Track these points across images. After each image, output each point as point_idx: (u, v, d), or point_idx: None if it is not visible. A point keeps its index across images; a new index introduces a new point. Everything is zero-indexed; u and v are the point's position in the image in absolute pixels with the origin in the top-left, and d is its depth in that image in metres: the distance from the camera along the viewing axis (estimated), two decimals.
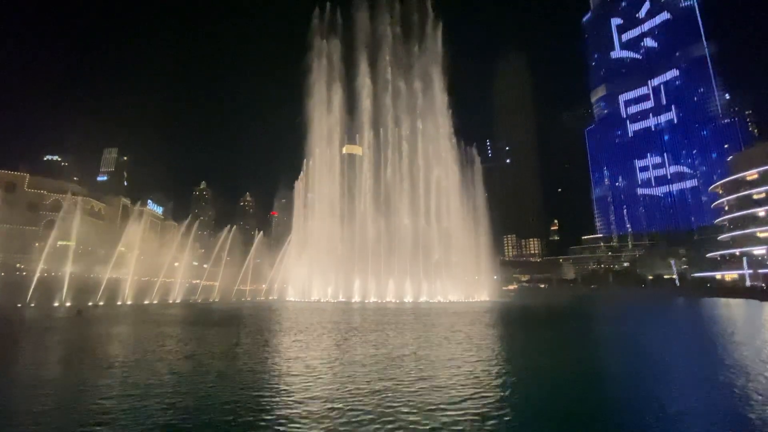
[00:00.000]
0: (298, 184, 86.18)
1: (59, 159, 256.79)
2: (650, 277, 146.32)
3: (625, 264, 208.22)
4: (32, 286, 68.75)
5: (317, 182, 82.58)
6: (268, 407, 9.34)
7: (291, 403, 9.60)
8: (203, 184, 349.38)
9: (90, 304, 54.39)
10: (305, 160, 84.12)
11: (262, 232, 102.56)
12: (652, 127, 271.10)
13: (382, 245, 71.73)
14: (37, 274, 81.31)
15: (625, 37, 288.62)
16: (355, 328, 26.02)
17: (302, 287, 76.62)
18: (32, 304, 52.23)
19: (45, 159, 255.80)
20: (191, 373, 12.82)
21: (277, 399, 10.04)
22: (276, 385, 11.44)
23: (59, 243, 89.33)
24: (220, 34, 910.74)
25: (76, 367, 14.31)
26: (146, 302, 71.88)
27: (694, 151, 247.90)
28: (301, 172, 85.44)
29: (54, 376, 12.93)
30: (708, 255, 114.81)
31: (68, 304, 53.25)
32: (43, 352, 17.75)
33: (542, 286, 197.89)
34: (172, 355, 16.24)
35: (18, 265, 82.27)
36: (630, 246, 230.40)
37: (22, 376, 12.80)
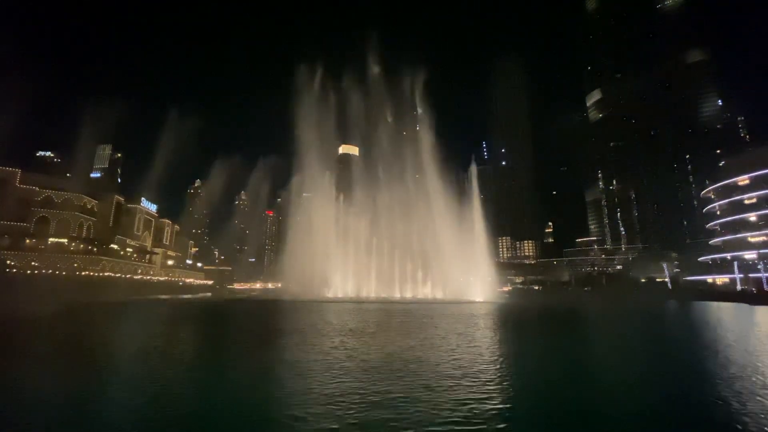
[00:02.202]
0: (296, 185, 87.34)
1: (52, 155, 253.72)
2: (643, 281, 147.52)
3: (619, 267, 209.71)
4: (23, 284, 68.02)
5: (317, 188, 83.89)
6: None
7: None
8: (198, 182, 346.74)
9: (82, 301, 53.84)
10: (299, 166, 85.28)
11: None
12: (645, 131, 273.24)
13: (378, 249, 72.72)
14: (29, 272, 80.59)
15: (620, 42, 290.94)
16: (351, 329, 26.04)
17: (299, 287, 76.75)
18: (23, 302, 51.56)
19: (37, 155, 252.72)
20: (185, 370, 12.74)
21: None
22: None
23: (51, 240, 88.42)
24: (217, 32, 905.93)
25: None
26: (137, 298, 71.39)
27: (687, 156, 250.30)
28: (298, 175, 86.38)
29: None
30: (700, 259, 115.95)
31: (60, 301, 52.61)
32: (34, 363, 17.49)
33: (536, 288, 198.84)
34: (169, 353, 16.14)
35: (9, 262, 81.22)
36: (623, 249, 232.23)
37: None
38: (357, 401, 9.70)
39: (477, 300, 70.37)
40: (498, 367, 14.17)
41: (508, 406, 9.74)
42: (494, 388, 11.21)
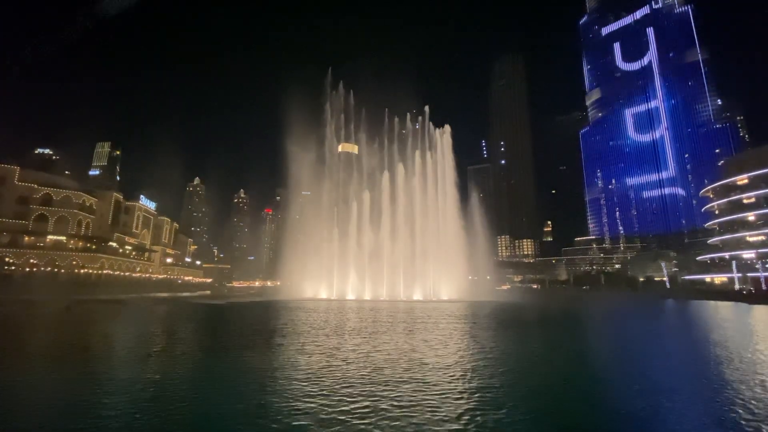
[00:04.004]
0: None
1: (51, 152, 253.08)
2: (641, 279, 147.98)
3: (617, 266, 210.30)
4: (21, 281, 68.03)
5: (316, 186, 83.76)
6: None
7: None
8: (197, 180, 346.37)
9: (79, 298, 53.81)
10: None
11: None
12: (645, 130, 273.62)
13: (374, 250, 72.95)
14: (27, 269, 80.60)
15: (620, 41, 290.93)
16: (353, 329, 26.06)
17: (295, 286, 76.75)
18: (20, 298, 51.55)
19: (36, 152, 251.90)
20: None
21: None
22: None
23: (49, 237, 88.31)
24: (216, 29, 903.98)
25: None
26: (134, 295, 71.46)
27: (686, 155, 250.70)
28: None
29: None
30: (698, 258, 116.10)
31: (57, 299, 52.58)
32: (26, 359, 17.48)
33: (535, 286, 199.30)
34: (164, 355, 16.13)
35: (7, 259, 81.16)
36: (622, 248, 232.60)
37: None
38: None
39: (481, 299, 70.56)
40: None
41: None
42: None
